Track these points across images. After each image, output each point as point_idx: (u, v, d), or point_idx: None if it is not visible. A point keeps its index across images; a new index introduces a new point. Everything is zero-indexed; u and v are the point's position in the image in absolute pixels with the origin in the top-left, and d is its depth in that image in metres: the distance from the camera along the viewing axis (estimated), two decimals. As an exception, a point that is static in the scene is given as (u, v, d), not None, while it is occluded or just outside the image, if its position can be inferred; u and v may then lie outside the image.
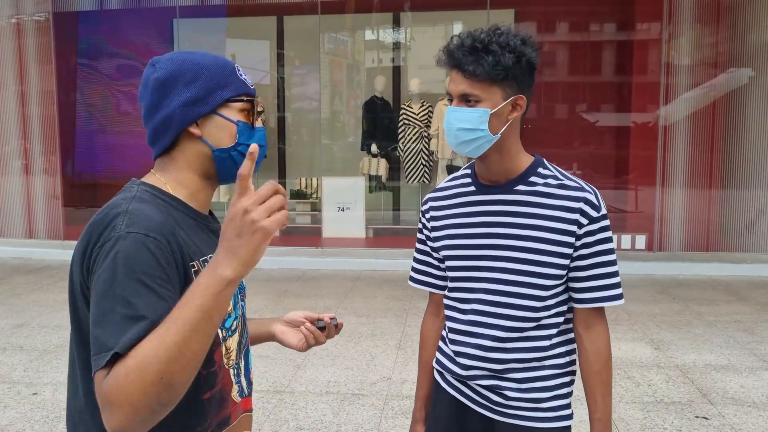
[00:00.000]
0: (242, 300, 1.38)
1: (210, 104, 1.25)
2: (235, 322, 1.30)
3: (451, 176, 1.76)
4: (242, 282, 1.34)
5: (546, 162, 1.66)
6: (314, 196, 9.25)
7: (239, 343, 1.33)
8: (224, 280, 1.01)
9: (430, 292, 1.84)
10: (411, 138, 8.76)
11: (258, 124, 1.33)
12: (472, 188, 1.67)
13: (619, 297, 1.61)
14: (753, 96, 7.52)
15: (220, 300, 1.01)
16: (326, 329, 1.51)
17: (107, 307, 1.04)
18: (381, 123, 9.19)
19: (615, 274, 1.61)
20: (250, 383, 1.39)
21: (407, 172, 8.88)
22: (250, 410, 1.40)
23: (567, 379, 1.67)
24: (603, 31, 9.32)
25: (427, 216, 1.76)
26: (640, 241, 7.63)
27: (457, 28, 10.37)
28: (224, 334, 1.26)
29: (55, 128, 8.74)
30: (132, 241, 1.08)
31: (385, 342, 4.99)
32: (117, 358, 1.00)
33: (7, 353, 4.76)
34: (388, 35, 10.33)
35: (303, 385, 4.19)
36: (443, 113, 8.49)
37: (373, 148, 9.00)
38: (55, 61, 8.64)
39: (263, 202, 1.04)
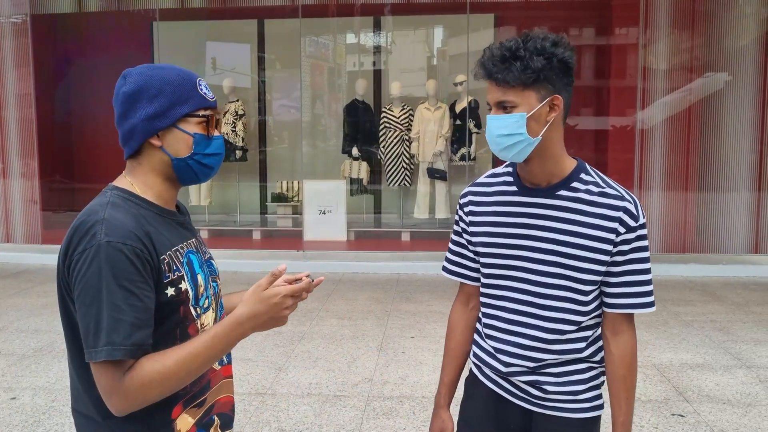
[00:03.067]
0: (214, 281, 1.54)
1: (169, 119, 1.39)
2: (207, 301, 1.48)
3: (491, 172, 1.79)
4: (214, 264, 1.58)
5: (588, 167, 1.69)
6: (295, 199, 9.25)
7: (215, 319, 1.51)
8: (243, 335, 1.35)
9: (462, 283, 1.87)
10: (392, 141, 8.80)
11: (215, 132, 1.47)
12: (514, 188, 1.70)
13: (649, 305, 1.65)
14: (728, 100, 7.65)
15: (231, 345, 1.35)
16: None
17: (98, 308, 1.26)
18: (362, 126, 9.22)
19: (647, 282, 1.64)
20: (228, 353, 1.52)
21: (388, 175, 8.92)
22: (231, 376, 1.59)
23: (600, 370, 1.74)
24: (581, 37, 9.43)
25: (466, 210, 1.79)
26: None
27: (438, 33, 10.45)
28: (198, 312, 1.44)
29: (33, 131, 8.66)
30: (113, 251, 1.27)
31: (366, 344, 5.01)
32: (114, 360, 1.26)
33: (-15, 358, 4.72)
34: (369, 39, 10.36)
35: (284, 387, 4.19)
36: (424, 117, 8.55)
37: (354, 151, 9.03)
38: (33, 64, 8.55)
39: (295, 295, 1.36)
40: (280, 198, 9.39)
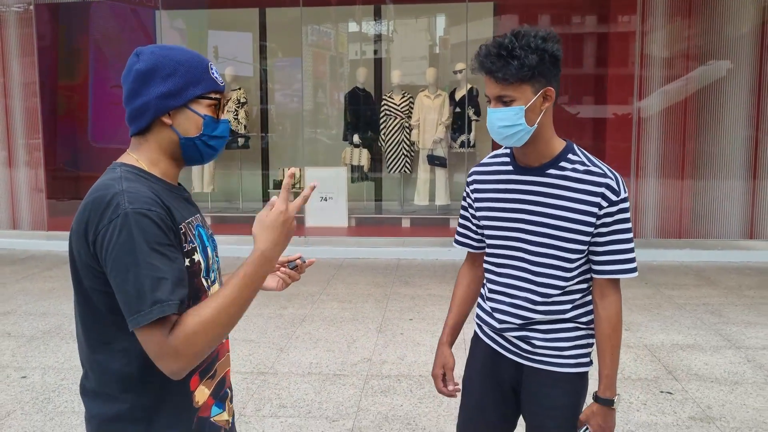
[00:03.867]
0: (216, 256, 1.58)
1: (182, 99, 1.43)
2: (213, 274, 1.53)
3: (492, 153, 2.00)
4: (215, 240, 1.59)
5: (576, 147, 1.86)
6: (297, 186, 9.35)
7: None
8: (270, 264, 1.41)
9: (469, 251, 2.11)
10: (392, 129, 8.90)
11: (223, 116, 1.51)
12: (510, 168, 1.90)
13: (632, 270, 1.83)
14: (726, 89, 7.72)
15: (261, 277, 1.40)
16: (298, 267, 1.76)
17: (135, 272, 1.28)
18: (363, 114, 9.31)
19: (630, 250, 1.82)
20: None
21: (389, 162, 9.02)
22: (229, 351, 1.64)
23: (588, 332, 1.91)
24: (580, 24, 9.49)
25: (471, 188, 2.00)
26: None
27: (438, 21, 10.52)
28: (208, 284, 1.50)
29: (38, 121, 8.77)
30: (140, 217, 1.30)
31: (365, 326, 5.14)
32: (165, 316, 1.27)
33: (-5, 339, 4.86)
34: (370, 28, 10.44)
35: (286, 366, 4.33)
36: (424, 104, 8.65)
37: (355, 138, 9.13)
38: (37, 53, 8.65)
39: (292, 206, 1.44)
40: (281, 185, 9.50)
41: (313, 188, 1.52)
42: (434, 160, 8.73)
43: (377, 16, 10.21)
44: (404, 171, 9.02)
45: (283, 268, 1.75)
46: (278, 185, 9.55)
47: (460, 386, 2.07)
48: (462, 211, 2.08)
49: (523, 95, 1.72)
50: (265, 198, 10.07)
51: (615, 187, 1.79)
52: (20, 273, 7.00)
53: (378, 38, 10.33)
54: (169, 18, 9.60)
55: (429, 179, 8.91)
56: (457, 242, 2.12)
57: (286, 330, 5.04)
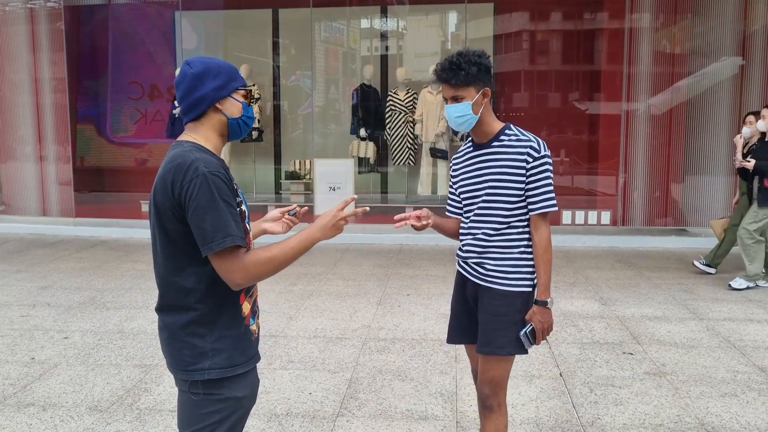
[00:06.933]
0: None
1: (227, 90, 1.96)
2: (247, 225, 2.05)
3: (464, 144, 2.68)
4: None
5: (512, 126, 2.55)
6: (307, 177, 9.92)
7: (253, 236, 2.12)
8: (316, 241, 1.95)
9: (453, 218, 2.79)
10: (397, 123, 9.44)
11: (250, 104, 2.09)
12: (471, 147, 2.62)
13: (552, 206, 2.48)
14: (711, 86, 8.19)
15: (309, 246, 1.94)
16: (296, 214, 2.31)
17: (213, 213, 1.80)
18: (369, 109, 9.86)
19: (549, 192, 2.48)
20: None
21: (394, 155, 9.56)
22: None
23: (530, 263, 2.54)
24: (582, 21, 9.96)
25: (451, 171, 2.72)
26: (605, 216, 8.37)
27: (445, 20, 11.03)
28: (248, 228, 2.03)
29: (66, 118, 9.36)
30: (214, 177, 1.81)
31: (367, 300, 5.69)
32: (233, 246, 1.79)
33: (37, 308, 5.45)
34: (376, 26, 10.97)
35: (295, 331, 4.89)
36: (427, 100, 9.18)
37: (362, 132, 9.68)
38: (66, 49, 9.23)
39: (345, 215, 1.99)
40: (293, 176, 10.07)
41: (354, 199, 2.05)
42: (436, 153, 9.26)
43: (383, 15, 10.75)
44: (408, 163, 9.55)
45: (286, 216, 2.30)
46: (289, 177, 10.12)
47: (418, 214, 2.63)
48: (449, 189, 2.76)
49: (469, 94, 2.45)
50: (278, 189, 10.67)
51: (536, 147, 2.47)
52: (53, 255, 7.61)
53: (383, 37, 10.87)
54: (187, 18, 10.18)
55: (432, 171, 9.45)
56: (448, 212, 2.78)
57: (296, 302, 5.60)
